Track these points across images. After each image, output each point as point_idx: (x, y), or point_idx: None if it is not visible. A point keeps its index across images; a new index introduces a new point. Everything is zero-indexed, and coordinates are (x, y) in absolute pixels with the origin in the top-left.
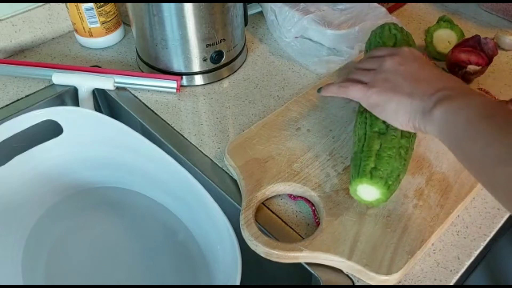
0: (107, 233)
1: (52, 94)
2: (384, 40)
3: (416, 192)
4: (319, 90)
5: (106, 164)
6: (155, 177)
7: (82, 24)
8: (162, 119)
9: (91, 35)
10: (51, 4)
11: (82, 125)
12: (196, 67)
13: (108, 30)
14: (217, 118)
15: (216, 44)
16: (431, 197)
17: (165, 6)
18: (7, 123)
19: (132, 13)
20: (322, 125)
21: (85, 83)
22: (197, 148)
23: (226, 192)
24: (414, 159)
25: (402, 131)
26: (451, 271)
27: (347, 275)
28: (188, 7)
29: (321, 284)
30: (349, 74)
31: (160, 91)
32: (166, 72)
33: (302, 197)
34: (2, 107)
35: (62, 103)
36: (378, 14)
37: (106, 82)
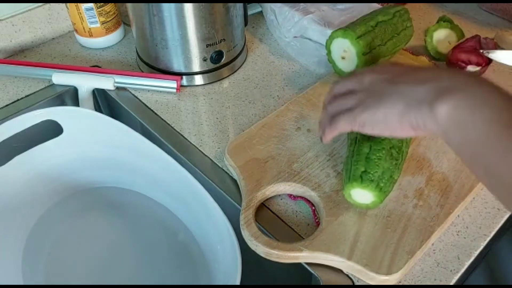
0: (107, 233)
1: (52, 94)
2: None
3: (416, 192)
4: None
5: (106, 164)
6: (155, 177)
7: (82, 24)
8: (162, 119)
9: (91, 35)
10: (51, 4)
11: (82, 125)
12: (196, 67)
13: (108, 30)
14: (217, 118)
15: (216, 44)
16: (431, 197)
17: (165, 6)
18: (7, 123)
19: (132, 13)
20: None
21: (85, 83)
22: (197, 148)
23: (226, 192)
24: (414, 159)
25: None
26: (451, 271)
27: (347, 275)
28: (188, 7)
29: (321, 284)
30: (328, 105)
31: (160, 91)
32: (166, 72)
33: (302, 197)
34: (2, 107)
35: (62, 103)
36: None
37: (106, 82)
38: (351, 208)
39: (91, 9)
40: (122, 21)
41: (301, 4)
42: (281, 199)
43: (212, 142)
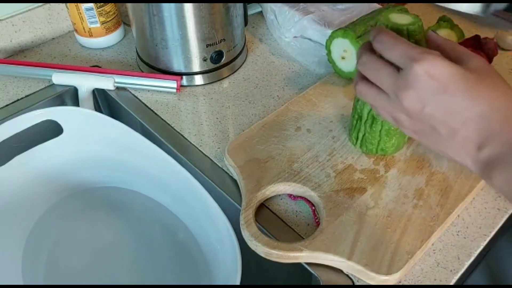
0: (107, 233)
1: (52, 94)
2: None
3: (416, 192)
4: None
5: (106, 164)
6: (155, 177)
7: (82, 24)
8: (162, 119)
9: (91, 35)
10: (51, 4)
11: (82, 125)
12: (196, 67)
13: (108, 30)
14: (217, 118)
15: (216, 44)
16: (431, 197)
17: (165, 6)
18: (7, 123)
19: (132, 13)
20: (322, 125)
21: (85, 83)
22: (197, 148)
23: (226, 192)
24: (414, 159)
25: None
26: (451, 271)
27: (347, 275)
28: (188, 7)
29: (321, 284)
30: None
31: (160, 91)
32: (166, 72)
33: (302, 197)
34: (2, 107)
35: (62, 103)
36: None
37: (106, 82)
38: (351, 208)
39: (91, 9)
40: (122, 21)
41: (301, 4)
42: (281, 199)
43: (212, 142)
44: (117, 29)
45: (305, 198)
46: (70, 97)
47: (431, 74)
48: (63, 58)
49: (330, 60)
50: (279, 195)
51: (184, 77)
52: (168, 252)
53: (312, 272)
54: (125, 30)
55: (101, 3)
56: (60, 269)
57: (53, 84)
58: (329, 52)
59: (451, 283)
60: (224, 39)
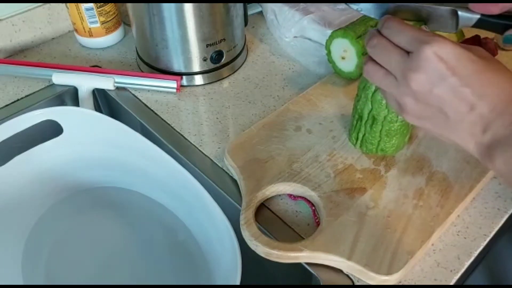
0: (107, 233)
1: (52, 94)
2: None
3: (416, 192)
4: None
5: (106, 164)
6: (155, 177)
7: (82, 24)
8: (162, 119)
9: (91, 35)
10: (51, 4)
11: (82, 125)
12: (196, 67)
13: (108, 30)
14: (217, 118)
15: (216, 44)
16: (431, 197)
17: (165, 6)
18: (7, 123)
19: (132, 13)
20: (322, 125)
21: (85, 83)
22: (197, 148)
23: (226, 192)
24: (414, 159)
25: None
26: (451, 271)
27: (347, 275)
28: (188, 7)
29: (321, 284)
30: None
31: (160, 91)
32: (166, 72)
33: (302, 197)
34: (2, 107)
35: (62, 103)
36: None
37: (106, 82)
38: (351, 208)
39: (91, 9)
40: (122, 21)
41: (301, 4)
42: (281, 199)
43: (212, 142)
44: (117, 29)
45: (305, 198)
46: (70, 97)
47: (440, 56)
48: (63, 58)
49: (330, 60)
50: (279, 195)
51: (184, 77)
52: (168, 252)
53: (312, 272)
54: (125, 30)
55: (101, 3)
56: (60, 269)
57: (53, 84)
58: (329, 52)
59: (451, 283)
60: (224, 39)
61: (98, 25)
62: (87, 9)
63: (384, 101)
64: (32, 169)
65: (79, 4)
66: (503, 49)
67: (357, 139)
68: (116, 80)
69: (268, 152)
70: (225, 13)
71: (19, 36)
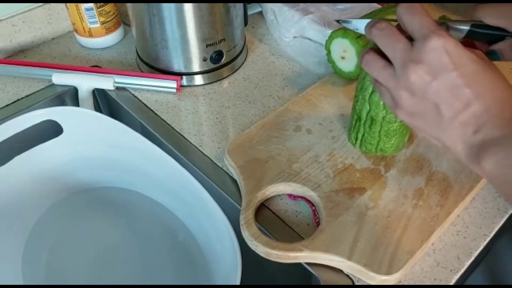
0: (107, 233)
1: (52, 94)
2: None
3: (416, 192)
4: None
5: (106, 164)
6: (155, 177)
7: (82, 24)
8: (162, 119)
9: (91, 35)
10: (51, 4)
11: (82, 125)
12: (196, 67)
13: (108, 30)
14: (217, 118)
15: (216, 44)
16: (431, 197)
17: (165, 6)
18: (7, 123)
19: (132, 13)
20: (322, 125)
21: (85, 83)
22: (197, 148)
23: (226, 192)
24: (414, 159)
25: None
26: (451, 271)
27: (347, 275)
28: (188, 7)
29: (321, 284)
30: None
31: (160, 91)
32: (166, 72)
33: (302, 197)
34: (2, 107)
35: (62, 103)
36: None
37: (106, 82)
38: (351, 208)
39: (91, 9)
40: (122, 21)
41: (301, 4)
42: (281, 199)
43: (212, 142)
44: (117, 29)
45: (305, 198)
46: (70, 97)
47: (446, 49)
48: (63, 58)
49: (330, 60)
50: (279, 195)
51: (184, 77)
52: (168, 252)
53: (312, 272)
54: (125, 30)
55: (101, 3)
56: (60, 269)
57: (53, 84)
58: (328, 52)
59: (451, 283)
60: (224, 39)
61: (98, 25)
62: (87, 9)
63: (382, 102)
64: (32, 169)
65: (79, 4)
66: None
67: (356, 139)
68: (116, 80)
69: (268, 152)
70: (225, 13)
71: (19, 36)
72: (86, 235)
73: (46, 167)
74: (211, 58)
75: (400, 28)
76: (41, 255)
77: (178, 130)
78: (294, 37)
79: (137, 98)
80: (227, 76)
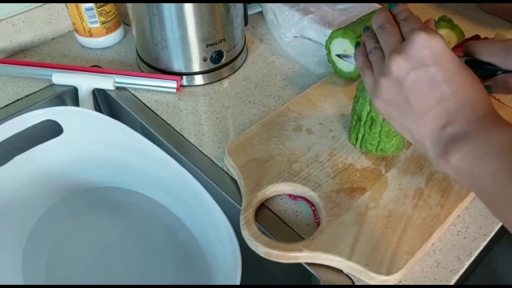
0: (107, 233)
1: (52, 94)
2: None
3: (416, 192)
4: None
5: (106, 164)
6: (155, 177)
7: (82, 24)
8: (162, 119)
9: (91, 35)
10: (51, 4)
11: (82, 125)
12: (196, 67)
13: (108, 30)
14: (217, 118)
15: (216, 44)
16: (431, 197)
17: (165, 6)
18: (7, 123)
19: (132, 13)
20: (322, 125)
21: (85, 83)
22: (197, 148)
23: (226, 192)
24: (414, 159)
25: None
26: (451, 271)
27: (347, 275)
28: (188, 7)
29: (321, 284)
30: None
31: (160, 91)
32: (166, 72)
33: (302, 197)
34: (2, 107)
35: (62, 103)
36: None
37: (106, 82)
38: (351, 208)
39: (91, 9)
40: (122, 21)
41: (301, 4)
42: (281, 199)
43: (212, 142)
44: (117, 29)
45: (305, 198)
46: (70, 97)
47: (430, 45)
48: (63, 58)
49: (330, 60)
50: (279, 195)
51: (184, 77)
52: (168, 252)
53: (312, 272)
54: (125, 30)
55: (101, 3)
56: (60, 269)
57: (53, 84)
58: (329, 52)
59: (451, 283)
60: (224, 39)
61: (98, 25)
62: (87, 9)
63: None
64: (32, 169)
65: (79, 4)
66: None
67: (356, 139)
68: (116, 80)
69: (268, 152)
70: (225, 13)
71: (19, 36)
72: (86, 235)
73: (46, 167)
74: (211, 58)
75: None
76: (41, 255)
77: (178, 130)
78: (294, 37)
79: (137, 98)
80: (227, 76)
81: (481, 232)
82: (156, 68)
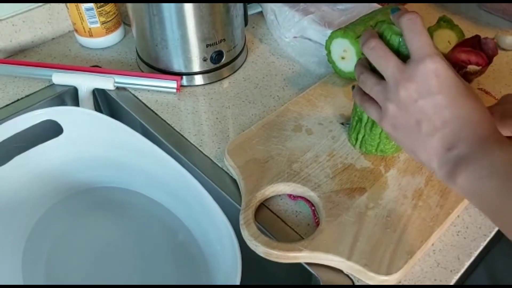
0: (107, 233)
1: (52, 94)
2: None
3: (415, 192)
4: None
5: (106, 164)
6: (155, 177)
7: (82, 24)
8: (162, 119)
9: (91, 35)
10: (51, 4)
11: (82, 125)
12: (196, 67)
13: (108, 30)
14: (217, 118)
15: (216, 44)
16: (431, 197)
17: (165, 6)
18: (7, 123)
19: (132, 13)
20: (322, 125)
21: (85, 83)
22: (197, 148)
23: (226, 192)
24: (414, 159)
25: None
26: (451, 271)
27: (347, 275)
28: (188, 7)
29: (321, 284)
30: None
31: (160, 91)
32: (166, 72)
33: (302, 197)
34: (2, 107)
35: (62, 103)
36: None
37: (106, 82)
38: (350, 208)
39: (91, 9)
40: (122, 21)
41: (301, 4)
42: (281, 199)
43: (212, 142)
44: (117, 29)
45: (305, 198)
46: (70, 97)
47: (437, 73)
48: (63, 58)
49: (330, 60)
50: (279, 195)
51: (184, 77)
52: (168, 252)
53: (312, 272)
54: (125, 30)
55: (101, 3)
56: (60, 269)
57: (53, 84)
58: (329, 53)
59: (451, 283)
60: (224, 39)
61: (98, 25)
62: (87, 9)
63: None
64: (32, 169)
65: (79, 4)
66: (503, 49)
67: (356, 140)
68: (116, 80)
69: (268, 152)
70: (225, 13)
71: (19, 36)
72: (86, 235)
73: (46, 167)
74: (211, 58)
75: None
76: (41, 255)
77: (178, 130)
78: (294, 37)
79: (137, 98)
80: (227, 76)
81: (481, 232)
82: (156, 68)
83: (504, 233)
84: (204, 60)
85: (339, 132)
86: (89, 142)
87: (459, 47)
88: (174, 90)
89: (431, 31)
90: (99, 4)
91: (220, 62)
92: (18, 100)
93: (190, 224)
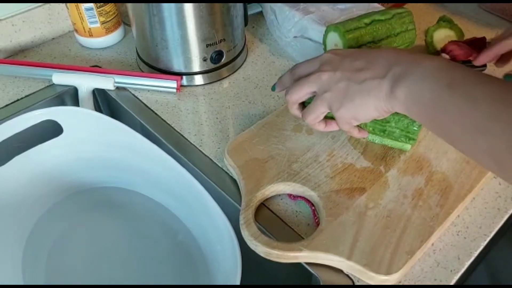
0: (107, 233)
1: (52, 94)
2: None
3: (415, 192)
4: (273, 87)
5: (106, 164)
6: (155, 177)
7: (82, 24)
8: (162, 119)
9: (91, 35)
10: (51, 4)
11: (82, 125)
12: (196, 67)
13: (108, 30)
14: (217, 118)
15: (216, 44)
16: (431, 197)
17: (165, 6)
18: (7, 123)
19: (132, 13)
20: None
21: (85, 83)
22: (197, 148)
23: (226, 192)
24: (414, 159)
25: None
26: (451, 271)
27: (347, 275)
28: (188, 7)
29: (321, 284)
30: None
31: (160, 91)
32: (166, 72)
33: (302, 197)
34: (2, 107)
35: (62, 103)
36: None
37: (106, 82)
38: (350, 208)
39: (91, 9)
40: (122, 21)
41: (301, 4)
42: (281, 199)
43: (212, 142)
44: (117, 29)
45: (304, 198)
46: (70, 97)
47: (335, 52)
48: (63, 58)
49: None
50: (279, 195)
51: (184, 77)
52: (168, 252)
53: (312, 272)
54: (125, 30)
55: (101, 3)
56: (60, 269)
57: (53, 84)
58: (325, 47)
59: (451, 283)
60: (224, 39)
61: (98, 25)
62: (87, 9)
63: None
64: (32, 169)
65: (79, 4)
66: None
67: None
68: (116, 80)
69: (268, 152)
70: (225, 13)
71: (19, 36)
72: (86, 235)
73: (46, 167)
74: (211, 58)
75: None
76: (41, 255)
77: (178, 130)
78: (294, 37)
79: (137, 98)
80: (227, 76)
81: (481, 232)
82: (156, 68)
83: (442, 138)
84: (204, 60)
85: (339, 132)
86: (89, 142)
87: (456, 43)
88: (174, 90)
89: (431, 31)
90: (99, 4)
91: (220, 62)
92: (18, 100)
93: (190, 224)
